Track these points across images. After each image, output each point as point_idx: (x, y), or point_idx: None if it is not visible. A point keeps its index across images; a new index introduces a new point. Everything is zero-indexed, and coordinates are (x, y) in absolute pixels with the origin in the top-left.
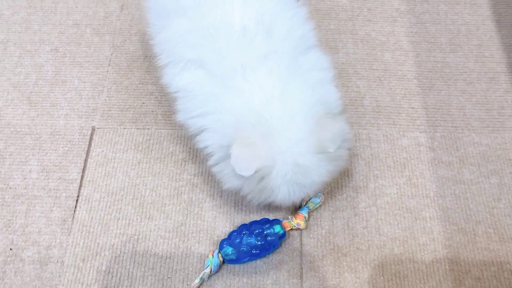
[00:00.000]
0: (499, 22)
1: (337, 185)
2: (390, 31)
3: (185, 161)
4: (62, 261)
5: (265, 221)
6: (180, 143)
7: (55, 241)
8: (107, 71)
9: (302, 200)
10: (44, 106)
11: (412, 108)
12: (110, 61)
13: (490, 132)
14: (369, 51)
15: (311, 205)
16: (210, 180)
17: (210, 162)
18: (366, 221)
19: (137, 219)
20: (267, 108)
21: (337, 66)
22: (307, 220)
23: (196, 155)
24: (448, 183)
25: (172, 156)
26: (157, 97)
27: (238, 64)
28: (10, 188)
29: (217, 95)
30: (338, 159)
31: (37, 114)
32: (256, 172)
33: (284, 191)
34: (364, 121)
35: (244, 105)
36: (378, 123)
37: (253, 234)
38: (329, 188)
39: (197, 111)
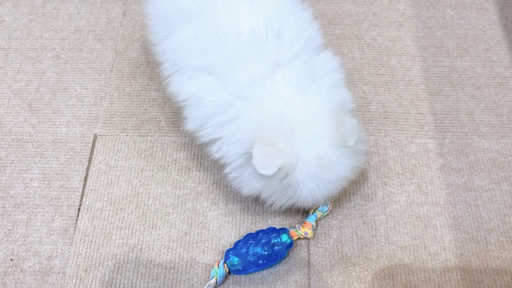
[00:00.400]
0: (506, 26)
1: (345, 193)
2: (396, 36)
3: (189, 169)
4: (64, 271)
5: (272, 230)
6: (184, 150)
7: (57, 251)
8: (110, 78)
9: (311, 208)
10: (46, 113)
11: (420, 113)
12: (112, 67)
13: (500, 138)
14: (375, 56)
15: (318, 213)
16: (215, 188)
17: (227, 170)
18: (375, 229)
19: (140, 228)
20: (288, 109)
21: (343, 72)
22: (314, 229)
23: (200, 163)
24: (458, 190)
25: (175, 164)
26: (160, 104)
27: (256, 74)
28: (11, 197)
29: (233, 105)
30: (358, 153)
31: (39, 122)
32: (279, 169)
33: (308, 187)
34: (371, 127)
35: (265, 112)
36: (385, 129)
37: (259, 243)
38: (337, 196)
39: (211, 121)
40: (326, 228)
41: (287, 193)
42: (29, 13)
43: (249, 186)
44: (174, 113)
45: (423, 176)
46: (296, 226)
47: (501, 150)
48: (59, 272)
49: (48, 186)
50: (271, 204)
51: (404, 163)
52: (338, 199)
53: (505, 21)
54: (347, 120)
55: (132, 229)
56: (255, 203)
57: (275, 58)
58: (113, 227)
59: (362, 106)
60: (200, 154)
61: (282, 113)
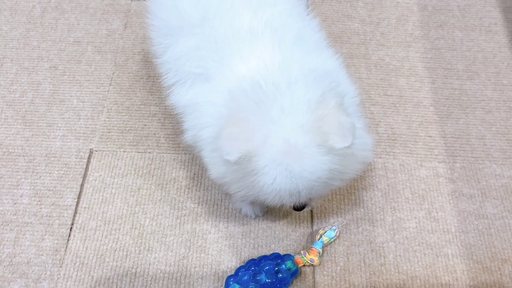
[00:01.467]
0: None
1: (352, 217)
2: (404, 56)
3: (188, 188)
4: None
5: (276, 256)
6: (184, 168)
7: (46, 273)
8: (108, 91)
9: (317, 234)
10: (40, 126)
11: (430, 136)
12: (111, 80)
13: None
14: (383, 76)
15: (325, 239)
16: (215, 209)
17: (204, 153)
18: (384, 257)
19: (135, 250)
20: (263, 75)
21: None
22: (321, 256)
23: (200, 182)
24: (470, 218)
25: (174, 183)
26: (160, 119)
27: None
28: None
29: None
30: (347, 156)
31: (32, 135)
32: (242, 156)
33: (270, 176)
34: (379, 149)
35: (239, 77)
36: (394, 152)
37: (262, 270)
38: (345, 221)
39: (206, 123)
40: (333, 255)
41: (249, 180)
42: (26, 23)
43: (215, 169)
44: (174, 129)
45: (433, 202)
46: (302, 252)
47: None
48: None
49: (39, 203)
50: (236, 193)
51: (413, 187)
52: (346, 225)
53: None
54: (340, 115)
55: (127, 251)
56: (258, 226)
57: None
58: (106, 249)
59: (370, 127)
60: (200, 173)
61: (255, 79)
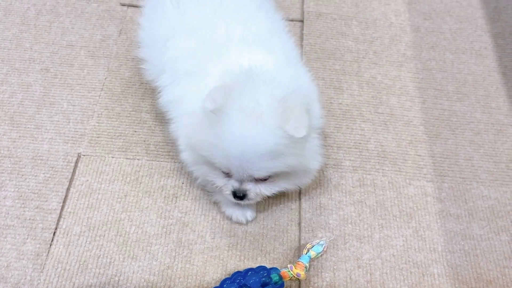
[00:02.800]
0: (505, 74)
1: (340, 233)
2: (396, 76)
3: (176, 197)
4: None
5: (262, 269)
6: (172, 177)
7: (25, 278)
8: (99, 96)
9: (305, 249)
10: (28, 128)
11: (419, 155)
12: (103, 85)
13: (499, 186)
14: (374, 94)
15: (312, 253)
16: (203, 220)
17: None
18: (371, 274)
19: (119, 258)
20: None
21: (342, 107)
22: (307, 270)
23: (188, 191)
24: (456, 238)
25: (162, 191)
26: (150, 126)
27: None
28: None
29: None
30: (294, 153)
31: (19, 136)
32: (217, 106)
33: (231, 126)
34: (368, 165)
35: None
36: (383, 169)
37: (248, 283)
38: (332, 237)
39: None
40: (319, 270)
41: (210, 132)
42: (20, 24)
43: (189, 134)
44: (164, 137)
45: (421, 221)
46: (288, 266)
47: (500, 199)
48: None
49: (23, 205)
50: (199, 151)
51: (401, 205)
52: (334, 240)
53: (504, 69)
54: (300, 109)
55: (111, 259)
56: (245, 239)
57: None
58: (90, 255)
59: (360, 143)
60: (189, 182)
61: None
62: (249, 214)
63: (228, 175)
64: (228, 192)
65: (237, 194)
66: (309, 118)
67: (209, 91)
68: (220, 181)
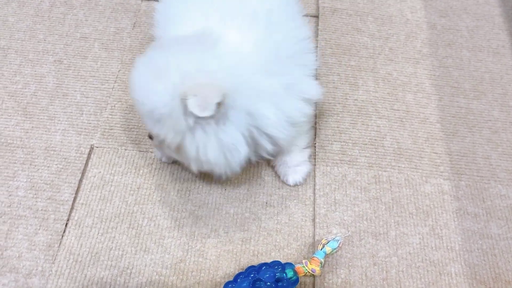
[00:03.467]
0: None
1: (355, 229)
2: (412, 72)
3: (189, 190)
4: None
5: (276, 264)
6: (185, 170)
7: (37, 269)
8: (113, 88)
9: (320, 244)
10: (41, 118)
11: (435, 153)
12: (117, 77)
13: None
14: (390, 90)
15: (328, 249)
16: (216, 213)
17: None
18: (386, 272)
19: (131, 250)
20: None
21: (357, 104)
22: (322, 266)
23: (201, 185)
24: (474, 237)
25: (175, 184)
26: None
27: None
28: None
29: None
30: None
31: (32, 127)
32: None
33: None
34: (384, 162)
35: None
36: (399, 166)
37: (262, 278)
38: (348, 233)
39: None
40: (334, 266)
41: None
42: (34, 15)
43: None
44: None
45: (437, 219)
46: (303, 261)
47: None
48: None
49: (35, 196)
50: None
51: (418, 203)
52: (349, 237)
53: None
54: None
55: (123, 251)
56: (259, 233)
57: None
58: (102, 247)
59: (375, 140)
60: (202, 175)
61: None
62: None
63: None
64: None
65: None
66: (218, 106)
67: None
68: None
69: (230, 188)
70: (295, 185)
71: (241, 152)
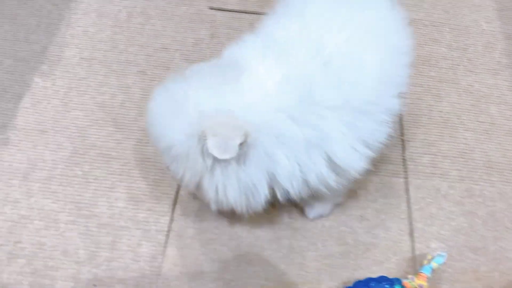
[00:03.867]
0: None
1: (454, 244)
2: (492, 84)
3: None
4: None
5: (384, 280)
6: None
7: (144, 281)
8: None
9: (425, 260)
10: (132, 130)
11: None
12: None
13: None
14: (473, 102)
15: (434, 265)
16: (312, 226)
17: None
18: (490, 287)
19: (234, 262)
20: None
21: (442, 115)
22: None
23: None
24: None
25: None
26: None
27: None
28: (95, 215)
29: None
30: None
31: (124, 138)
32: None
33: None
34: (476, 175)
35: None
36: (491, 180)
37: None
38: (447, 248)
39: None
40: (437, 281)
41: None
42: (113, 26)
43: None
44: None
45: None
46: (409, 277)
47: None
48: None
49: (135, 207)
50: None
51: None
52: (448, 252)
53: None
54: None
55: (225, 263)
56: (357, 248)
57: None
58: (204, 259)
59: (465, 152)
60: None
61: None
62: None
63: None
64: None
65: None
66: (240, 147)
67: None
68: None
69: None
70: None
71: (261, 193)
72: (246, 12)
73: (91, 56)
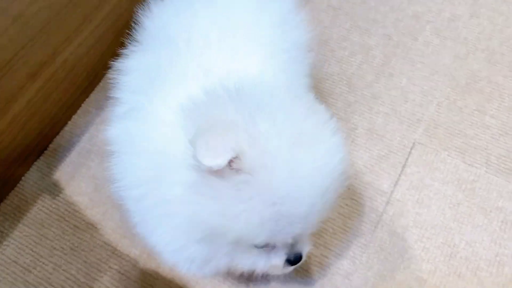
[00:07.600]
0: None
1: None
2: None
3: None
4: (351, 279)
5: None
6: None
7: (348, 253)
8: (442, 82)
9: None
10: (364, 94)
11: None
12: (447, 71)
13: None
14: None
15: None
16: None
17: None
18: None
19: (443, 269)
20: None
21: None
22: None
23: None
24: None
25: (499, 213)
26: (494, 134)
27: None
28: None
29: None
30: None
31: (355, 101)
32: (237, 157)
33: (281, 178)
34: None
35: None
36: None
37: None
38: None
39: None
40: None
41: (227, 203)
42: None
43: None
44: (508, 151)
45: None
46: None
47: None
48: (346, 277)
49: (354, 177)
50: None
51: None
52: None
53: None
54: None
55: (435, 267)
56: None
57: None
58: (413, 254)
59: None
60: None
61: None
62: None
63: (266, 246)
64: (280, 265)
65: (294, 259)
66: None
67: (201, 145)
68: (257, 260)
69: None
70: None
71: None
72: None
73: (339, 5)
